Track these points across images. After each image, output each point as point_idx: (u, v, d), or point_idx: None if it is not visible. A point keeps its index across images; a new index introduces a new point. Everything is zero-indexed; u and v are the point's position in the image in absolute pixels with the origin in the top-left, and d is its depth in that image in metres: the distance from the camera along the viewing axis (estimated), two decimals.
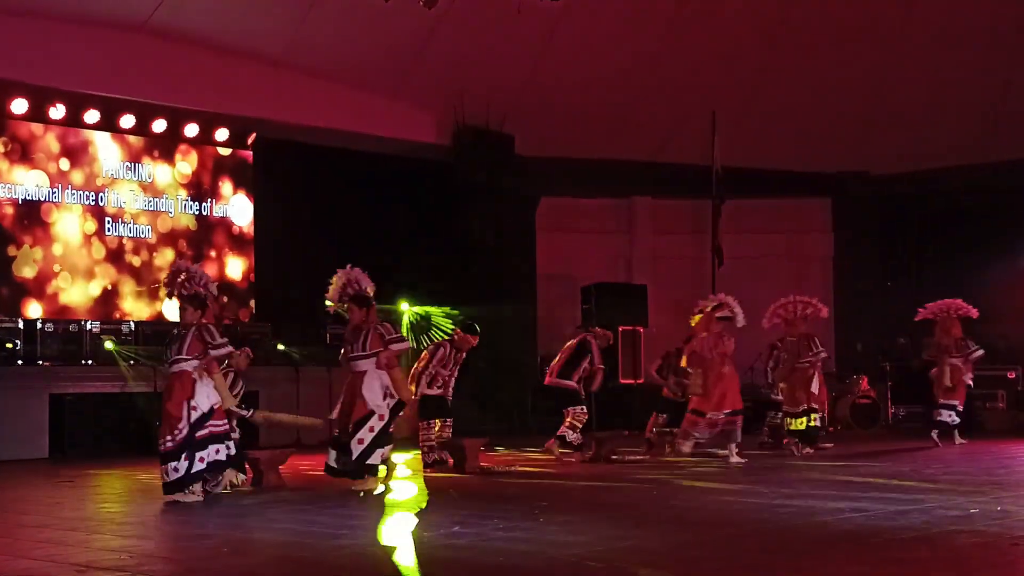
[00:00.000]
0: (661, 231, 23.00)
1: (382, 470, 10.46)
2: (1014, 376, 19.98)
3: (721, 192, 20.71)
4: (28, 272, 16.81)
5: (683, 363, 13.67)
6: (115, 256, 17.70)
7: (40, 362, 15.37)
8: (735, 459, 12.78)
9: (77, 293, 17.24)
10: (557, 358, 14.08)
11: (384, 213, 19.44)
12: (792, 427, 14.17)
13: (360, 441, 10.08)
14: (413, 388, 12.13)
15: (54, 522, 8.36)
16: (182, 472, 9.35)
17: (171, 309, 17.77)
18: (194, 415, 9.43)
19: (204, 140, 18.54)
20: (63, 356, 15.56)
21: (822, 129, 21.24)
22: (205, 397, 9.53)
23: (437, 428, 12.44)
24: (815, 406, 14.35)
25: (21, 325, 15.51)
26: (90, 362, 15.70)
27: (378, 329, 10.47)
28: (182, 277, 10.04)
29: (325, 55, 18.45)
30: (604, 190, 22.59)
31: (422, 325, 18.69)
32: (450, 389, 12.75)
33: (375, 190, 19.51)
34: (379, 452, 10.17)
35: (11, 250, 16.63)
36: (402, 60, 18.92)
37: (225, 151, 18.87)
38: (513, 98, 19.86)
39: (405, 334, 18.43)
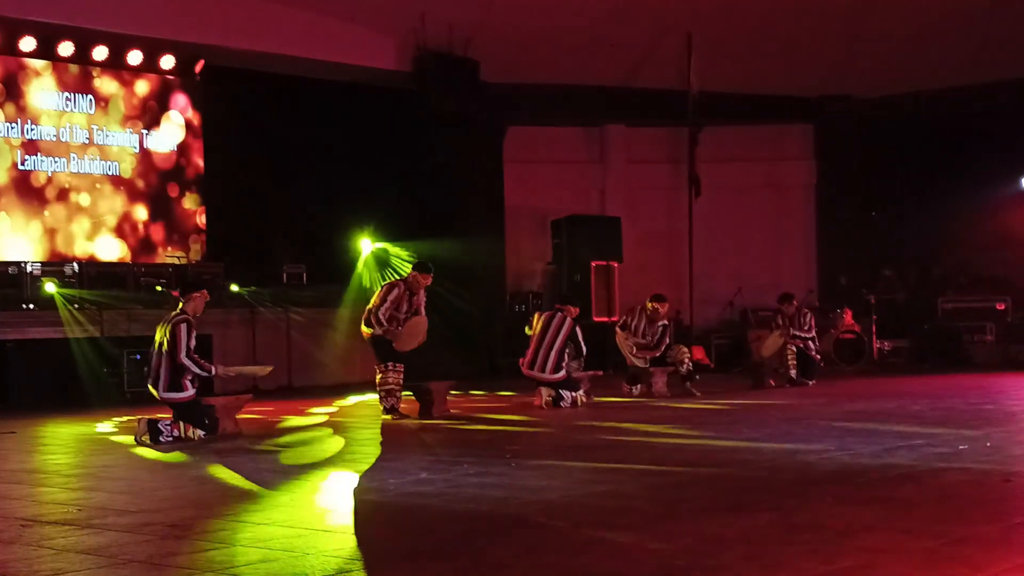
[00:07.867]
0: (635, 160, 22.30)
1: None
2: (1003, 308, 19.29)
3: (698, 118, 19.88)
4: None
5: None
6: (55, 193, 16.69)
7: None
8: None
9: (15, 233, 16.23)
10: (536, 344, 12.38)
11: (342, 145, 18.72)
12: None
13: None
14: (366, 329, 11.28)
15: None
16: None
17: (109, 248, 16.86)
18: None
19: (148, 68, 17.65)
20: (3, 300, 14.73)
21: (803, 51, 20.51)
22: None
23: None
24: None
25: None
26: (32, 307, 14.73)
27: None
28: None
29: None
30: (575, 118, 21.93)
31: (382, 260, 17.85)
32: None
33: (332, 121, 18.70)
34: None
35: None
36: None
37: (171, 80, 17.92)
38: (478, 20, 18.97)
39: (362, 270, 17.63)
